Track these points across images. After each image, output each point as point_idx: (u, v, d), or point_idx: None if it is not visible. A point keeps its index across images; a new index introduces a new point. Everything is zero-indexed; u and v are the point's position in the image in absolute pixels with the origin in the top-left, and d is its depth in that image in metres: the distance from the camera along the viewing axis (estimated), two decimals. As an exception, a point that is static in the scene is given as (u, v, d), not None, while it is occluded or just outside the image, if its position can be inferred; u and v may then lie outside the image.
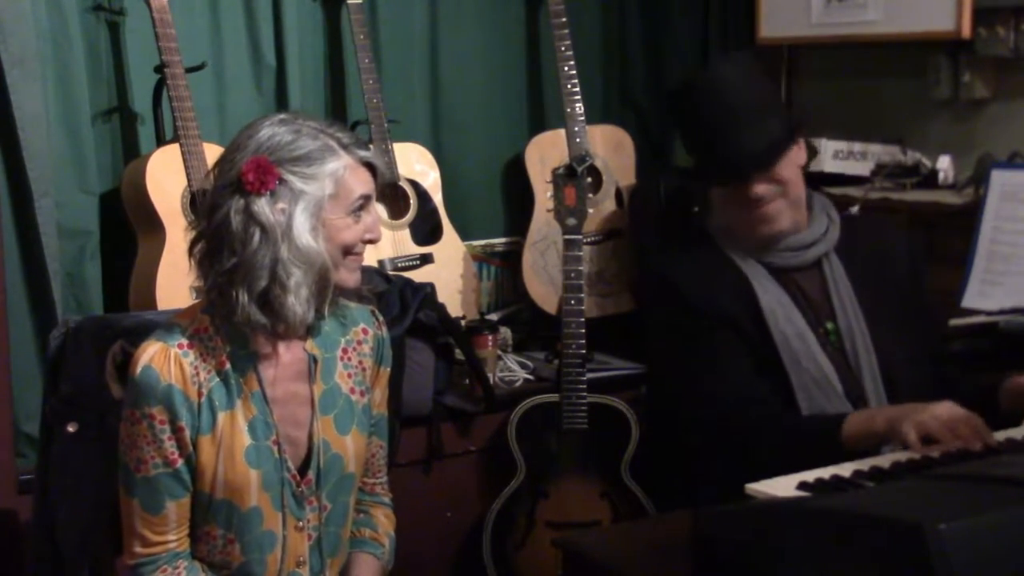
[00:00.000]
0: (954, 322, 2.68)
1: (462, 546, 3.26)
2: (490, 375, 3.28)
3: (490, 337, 3.31)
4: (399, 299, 3.02)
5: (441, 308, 3.12)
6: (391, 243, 3.35)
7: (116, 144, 3.16)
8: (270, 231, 1.85)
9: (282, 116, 1.95)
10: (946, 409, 2.00)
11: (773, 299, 2.27)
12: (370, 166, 1.97)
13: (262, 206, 1.86)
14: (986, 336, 2.72)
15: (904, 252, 2.44)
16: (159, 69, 2.98)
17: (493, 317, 3.64)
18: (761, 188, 2.27)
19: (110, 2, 3.08)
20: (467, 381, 3.27)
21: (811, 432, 2.14)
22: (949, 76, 3.43)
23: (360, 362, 2.06)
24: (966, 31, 3.23)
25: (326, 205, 1.90)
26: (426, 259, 3.41)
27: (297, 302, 1.87)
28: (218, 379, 1.91)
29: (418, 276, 3.22)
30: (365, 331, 2.08)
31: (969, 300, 2.94)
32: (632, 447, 3.19)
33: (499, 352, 3.41)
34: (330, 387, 2.01)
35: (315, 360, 1.99)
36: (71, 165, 3.02)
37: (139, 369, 1.87)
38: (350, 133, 1.98)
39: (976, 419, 1.98)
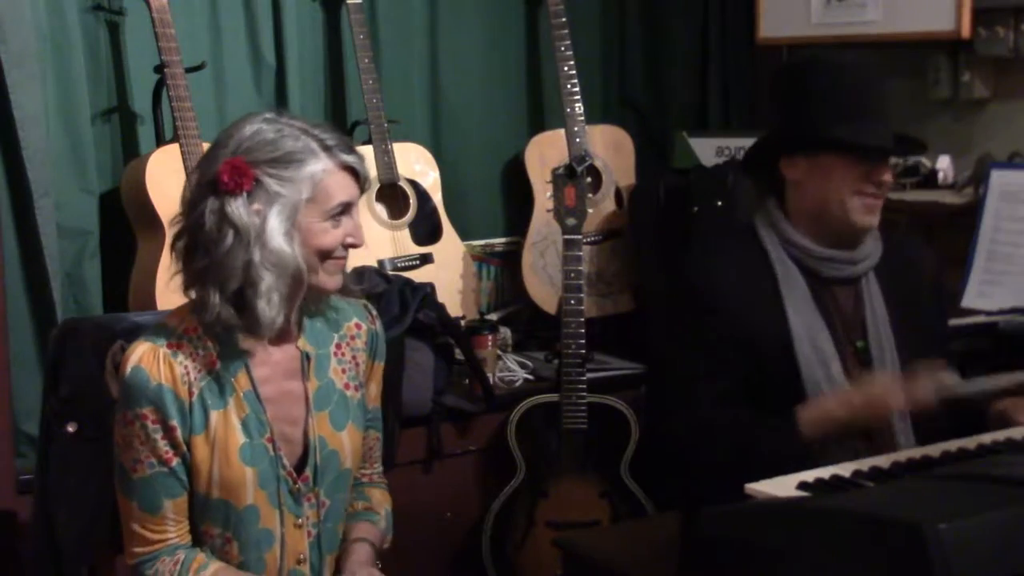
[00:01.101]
0: (954, 322, 2.68)
1: (462, 546, 3.26)
2: (490, 375, 3.28)
3: (490, 337, 3.31)
4: (399, 299, 3.02)
5: (441, 308, 3.12)
6: (391, 243, 3.35)
7: (116, 144, 3.16)
8: (243, 233, 1.83)
9: (267, 115, 1.92)
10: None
11: (804, 321, 2.22)
12: (353, 171, 1.92)
13: (237, 207, 1.84)
14: (986, 336, 2.72)
15: (929, 272, 2.42)
16: (159, 69, 2.98)
17: (493, 317, 3.64)
18: (889, 174, 2.24)
19: (110, 2, 3.08)
20: (467, 381, 3.28)
21: (769, 430, 2.14)
22: (949, 76, 3.43)
23: (353, 357, 2.06)
24: (966, 31, 3.24)
25: (302, 209, 1.86)
26: (426, 259, 3.41)
27: (268, 306, 1.85)
28: (209, 378, 1.90)
29: (418, 276, 3.22)
30: (358, 326, 2.08)
31: (969, 300, 2.95)
32: (632, 447, 3.19)
33: (499, 352, 3.41)
34: (324, 383, 2.01)
35: (308, 357, 1.99)
36: (71, 165, 3.02)
37: (128, 370, 1.87)
38: (337, 135, 1.93)
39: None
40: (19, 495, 2.68)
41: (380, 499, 2.18)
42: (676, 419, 2.24)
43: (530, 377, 3.44)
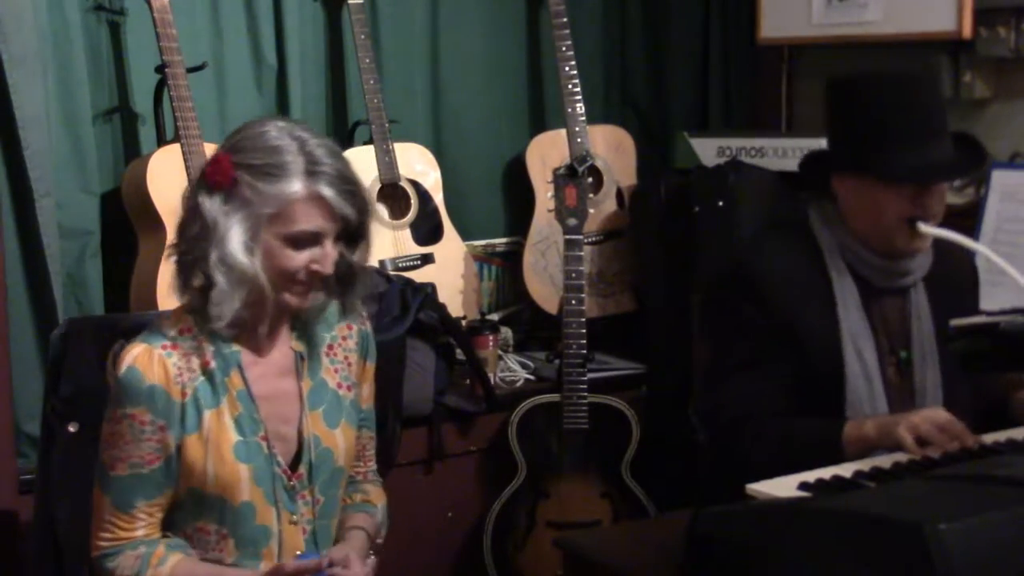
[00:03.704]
0: (954, 322, 2.67)
1: (463, 546, 3.26)
2: (491, 375, 3.28)
3: (491, 337, 3.31)
4: (400, 299, 3.02)
5: (442, 308, 3.12)
6: (392, 243, 3.35)
7: (117, 144, 3.16)
8: (208, 230, 1.85)
9: (280, 122, 1.92)
10: (938, 413, 2.02)
11: (852, 329, 2.19)
12: (329, 204, 1.87)
13: (209, 201, 1.86)
14: (986, 336, 2.72)
15: (968, 274, 2.39)
16: (160, 69, 2.98)
17: (494, 317, 3.64)
18: (939, 199, 2.19)
19: (111, 2, 3.08)
20: (468, 381, 3.28)
21: (811, 441, 2.10)
22: (950, 76, 3.42)
23: (346, 357, 2.08)
24: (967, 31, 3.24)
25: (264, 224, 1.86)
26: (427, 259, 3.41)
27: (217, 308, 1.86)
28: (203, 378, 1.92)
29: (419, 276, 3.22)
30: (350, 327, 2.09)
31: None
32: (632, 447, 3.19)
33: (500, 352, 3.41)
34: (317, 383, 2.03)
35: (302, 357, 2.01)
36: (72, 165, 3.02)
37: (123, 370, 1.89)
38: (335, 164, 1.88)
39: (964, 427, 1.99)
40: (20, 495, 2.68)
41: (376, 494, 2.20)
42: (715, 410, 2.22)
43: (531, 377, 3.44)
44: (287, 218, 1.86)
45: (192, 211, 1.88)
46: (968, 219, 3.05)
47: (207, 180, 1.87)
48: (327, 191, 1.86)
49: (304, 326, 2.02)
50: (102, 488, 1.93)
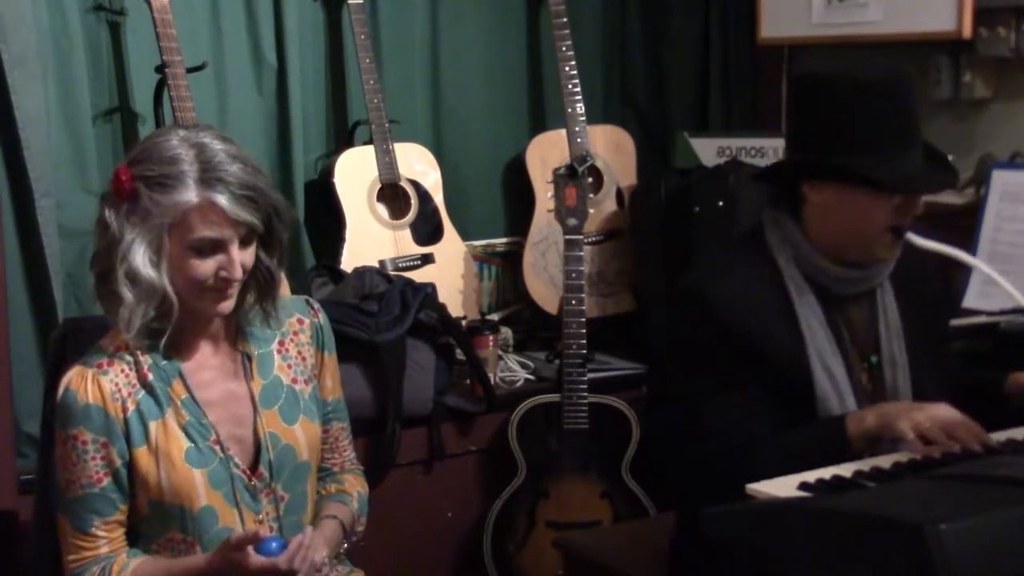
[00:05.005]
0: (955, 322, 2.68)
1: (463, 546, 3.26)
2: (491, 375, 3.28)
3: (491, 337, 3.31)
4: (400, 299, 3.02)
5: (442, 308, 3.12)
6: (392, 243, 3.35)
7: (117, 144, 3.16)
8: (114, 244, 1.86)
9: (185, 131, 1.90)
10: (943, 411, 1.96)
11: (820, 346, 2.11)
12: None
13: (113, 214, 1.87)
14: (987, 336, 2.72)
15: (934, 264, 2.28)
16: (160, 69, 2.98)
17: (494, 317, 3.64)
18: (921, 206, 2.11)
19: (111, 2, 3.09)
20: (468, 381, 3.27)
21: (816, 447, 2.02)
22: (950, 76, 3.43)
23: (299, 352, 2.08)
24: (967, 31, 3.24)
25: (166, 234, 1.85)
26: (427, 259, 3.41)
27: (128, 322, 1.87)
28: (144, 392, 1.93)
29: (419, 276, 3.22)
30: (301, 321, 2.09)
31: (970, 300, 2.94)
32: (633, 447, 3.19)
33: (500, 352, 3.41)
34: (270, 381, 2.03)
35: (249, 358, 2.01)
36: (72, 165, 3.02)
37: (60, 393, 1.92)
38: (235, 168, 1.86)
39: (973, 424, 1.94)
40: (20, 495, 2.68)
41: (353, 483, 2.20)
42: (700, 440, 2.13)
43: (531, 377, 3.44)
44: (186, 227, 1.85)
45: (99, 225, 1.89)
46: (968, 219, 3.05)
47: (112, 192, 1.87)
48: (221, 198, 1.84)
49: (247, 326, 2.02)
50: (62, 510, 1.96)
